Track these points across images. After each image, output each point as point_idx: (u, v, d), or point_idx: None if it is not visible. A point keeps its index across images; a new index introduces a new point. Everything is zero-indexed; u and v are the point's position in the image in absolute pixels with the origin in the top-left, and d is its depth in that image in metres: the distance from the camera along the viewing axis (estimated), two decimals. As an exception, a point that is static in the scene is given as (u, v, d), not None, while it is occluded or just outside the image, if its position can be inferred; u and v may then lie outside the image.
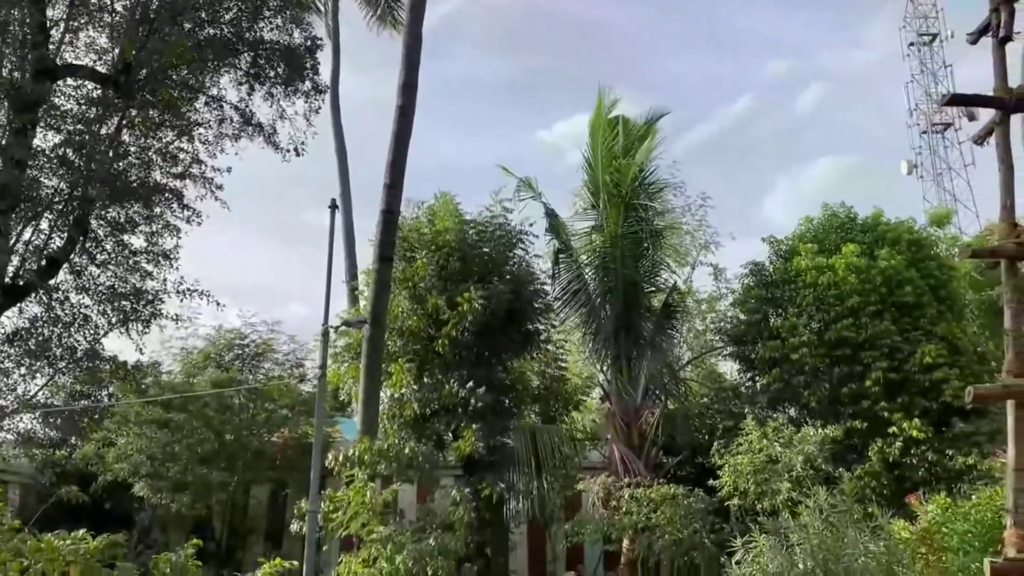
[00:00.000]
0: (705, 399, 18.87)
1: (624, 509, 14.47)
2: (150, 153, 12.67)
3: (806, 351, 15.87)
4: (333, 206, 13.42)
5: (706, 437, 16.98)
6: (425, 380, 17.60)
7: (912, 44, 42.61)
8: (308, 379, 21.37)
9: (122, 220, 13.03)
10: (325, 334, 13.01)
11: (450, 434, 17.06)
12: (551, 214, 18.08)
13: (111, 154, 12.27)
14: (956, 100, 6.20)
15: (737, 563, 9.84)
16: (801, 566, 8.62)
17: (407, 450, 14.12)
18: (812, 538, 8.80)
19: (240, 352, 21.19)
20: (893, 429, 14.69)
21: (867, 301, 15.73)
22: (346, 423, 21.93)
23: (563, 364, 19.68)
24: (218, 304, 13.00)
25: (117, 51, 12.09)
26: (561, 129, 67.67)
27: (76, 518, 13.99)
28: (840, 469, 12.50)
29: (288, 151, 12.91)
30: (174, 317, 12.95)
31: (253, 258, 60.55)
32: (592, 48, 70.94)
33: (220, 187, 12.94)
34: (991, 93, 6.61)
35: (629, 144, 17.74)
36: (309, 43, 13.02)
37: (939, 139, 41.91)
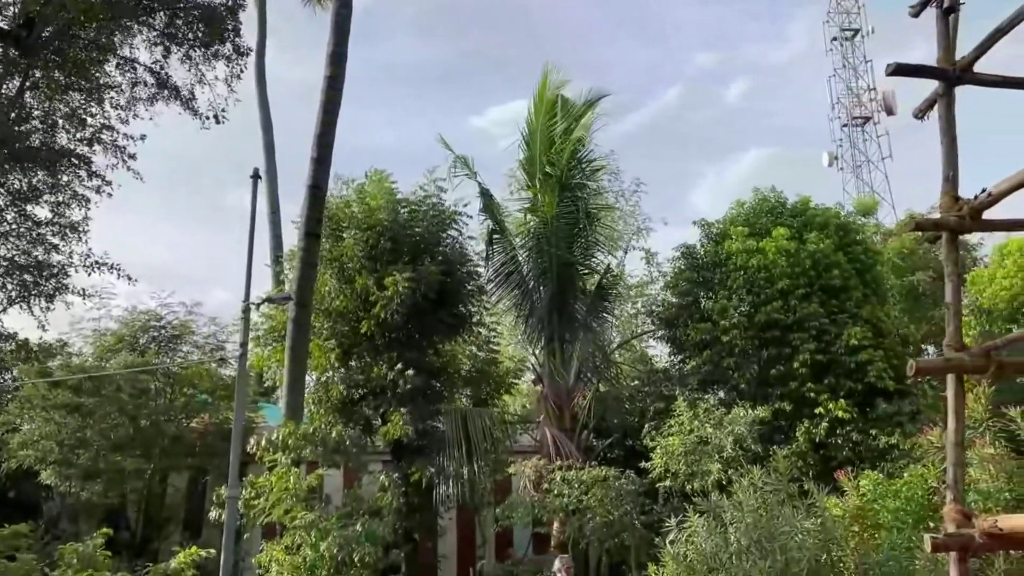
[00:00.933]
0: (636, 381, 18.86)
1: (555, 492, 14.31)
2: (55, 116, 11.74)
3: (736, 333, 15.96)
4: (256, 176, 12.75)
5: (636, 420, 16.95)
6: (353, 363, 17.11)
7: (835, 39, 43.69)
8: (228, 361, 20.57)
9: (24, 188, 12.08)
10: (246, 311, 12.39)
11: (379, 418, 16.65)
12: (485, 194, 17.72)
13: (12, 116, 11.34)
14: (900, 71, 6.07)
15: (671, 543, 9.73)
16: (736, 545, 8.55)
17: (334, 434, 13.70)
18: (746, 516, 8.73)
19: (156, 334, 20.27)
20: (820, 410, 14.89)
21: (796, 284, 15.89)
22: (270, 409, 21.25)
23: (495, 347, 19.42)
24: (129, 278, 12.21)
25: (19, 5, 11.16)
26: (494, 115, 67.37)
27: (-25, 508, 13.10)
28: (775, 447, 12.55)
29: (207, 118, 12.19)
30: (80, 292, 12.10)
31: (175, 242, 58.61)
32: (525, 35, 70.75)
33: (133, 156, 12.13)
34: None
35: (568, 124, 17.48)
36: (230, 2, 12.22)
37: (859, 132, 43.17)
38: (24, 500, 18.47)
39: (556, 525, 15.28)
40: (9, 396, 17.63)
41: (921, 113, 6.92)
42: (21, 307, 12.06)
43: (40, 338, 13.51)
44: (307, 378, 16.79)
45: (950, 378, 5.86)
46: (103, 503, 18.12)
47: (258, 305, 14.29)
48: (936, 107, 6.40)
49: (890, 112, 42.38)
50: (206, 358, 20.97)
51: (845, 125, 43.03)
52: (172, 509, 20.44)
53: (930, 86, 6.48)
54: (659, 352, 20.88)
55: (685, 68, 69.96)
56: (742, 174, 63.76)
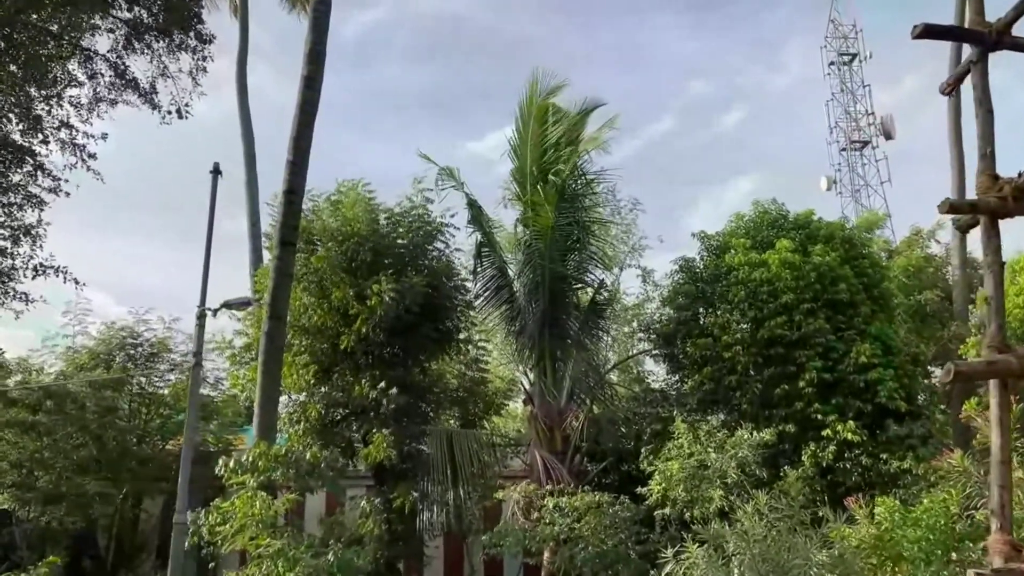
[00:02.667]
0: (632, 401, 17.89)
1: (546, 519, 13.37)
2: (7, 112, 10.92)
3: (738, 349, 15.06)
4: (216, 171, 11.94)
5: (632, 443, 16.01)
6: (335, 380, 16.24)
7: (832, 64, 43.42)
8: (207, 380, 19.70)
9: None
10: (201, 317, 11.50)
11: (361, 440, 15.76)
12: (473, 205, 16.75)
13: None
14: (928, 32, 5.32)
15: (667, 575, 8.81)
16: (741, 579, 7.63)
17: (308, 455, 12.81)
18: (752, 547, 7.80)
19: (132, 352, 19.45)
20: (827, 432, 13.92)
21: (801, 298, 14.97)
22: (252, 432, 20.38)
23: (484, 365, 18.55)
24: (76, 282, 11.36)
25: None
26: (492, 141, 67.02)
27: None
28: (783, 470, 11.61)
29: (169, 112, 11.42)
30: (24, 297, 11.19)
31: (167, 263, 58.06)
32: (519, 63, 70.65)
33: (93, 155, 11.35)
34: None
35: (562, 133, 16.59)
36: (193, -12, 11.41)
37: (857, 157, 42.68)
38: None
39: (547, 555, 14.30)
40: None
41: (950, 88, 6.16)
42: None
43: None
44: (284, 397, 15.94)
45: (993, 384, 5.01)
46: (68, 529, 17.16)
47: (215, 311, 13.40)
48: (969, 77, 5.63)
49: (888, 136, 41.97)
50: (185, 378, 20.14)
51: (843, 149, 42.62)
52: (146, 535, 19.55)
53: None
54: (655, 371, 19.97)
55: (679, 96, 69.78)
56: (738, 200, 63.35)
